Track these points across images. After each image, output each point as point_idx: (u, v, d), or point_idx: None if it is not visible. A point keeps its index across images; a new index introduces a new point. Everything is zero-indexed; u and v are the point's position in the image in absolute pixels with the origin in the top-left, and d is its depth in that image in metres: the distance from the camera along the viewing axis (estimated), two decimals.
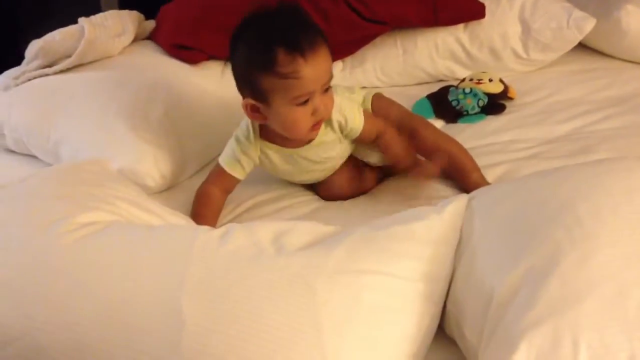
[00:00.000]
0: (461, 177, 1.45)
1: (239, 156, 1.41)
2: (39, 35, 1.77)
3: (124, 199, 1.20)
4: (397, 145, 1.45)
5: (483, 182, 1.43)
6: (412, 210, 1.12)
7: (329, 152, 1.42)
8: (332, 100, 1.32)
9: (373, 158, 1.50)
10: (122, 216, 1.15)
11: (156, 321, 0.93)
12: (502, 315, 0.92)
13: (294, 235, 1.04)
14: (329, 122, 1.37)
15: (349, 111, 1.39)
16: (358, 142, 1.45)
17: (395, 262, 1.00)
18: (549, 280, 0.91)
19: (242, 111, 1.33)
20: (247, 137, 1.40)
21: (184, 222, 1.27)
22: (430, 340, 1.01)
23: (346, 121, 1.39)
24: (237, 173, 1.43)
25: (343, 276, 0.97)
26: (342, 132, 1.40)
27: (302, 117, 1.28)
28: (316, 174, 1.48)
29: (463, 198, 1.12)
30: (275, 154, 1.41)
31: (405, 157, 1.46)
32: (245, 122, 1.40)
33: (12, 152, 1.71)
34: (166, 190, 1.55)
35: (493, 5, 1.94)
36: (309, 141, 1.38)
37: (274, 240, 1.03)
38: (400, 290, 0.99)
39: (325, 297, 0.94)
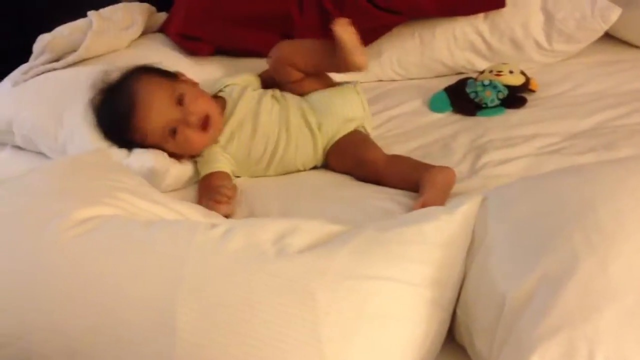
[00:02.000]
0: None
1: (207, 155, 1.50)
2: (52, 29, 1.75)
3: (126, 190, 1.15)
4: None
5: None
6: (422, 211, 1.07)
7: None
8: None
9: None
10: (123, 209, 1.10)
11: (147, 329, 0.89)
12: (514, 323, 0.87)
13: (297, 236, 0.99)
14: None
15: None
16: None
17: (402, 266, 0.95)
18: (565, 287, 0.85)
19: None
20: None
21: (190, 210, 1.22)
22: (438, 347, 0.97)
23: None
24: (221, 165, 1.48)
25: (346, 282, 0.92)
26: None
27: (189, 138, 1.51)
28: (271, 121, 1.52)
29: (477, 198, 1.07)
30: None
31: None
32: None
33: (22, 149, 1.67)
34: (175, 191, 1.51)
35: None
36: None
37: (276, 240, 0.98)
38: (407, 296, 0.94)
39: (327, 306, 0.89)
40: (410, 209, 1.29)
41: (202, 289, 0.91)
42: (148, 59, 1.58)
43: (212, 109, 1.49)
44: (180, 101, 1.45)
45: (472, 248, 1.01)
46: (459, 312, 0.98)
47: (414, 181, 1.37)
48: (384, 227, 1.01)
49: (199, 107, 1.46)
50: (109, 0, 2.02)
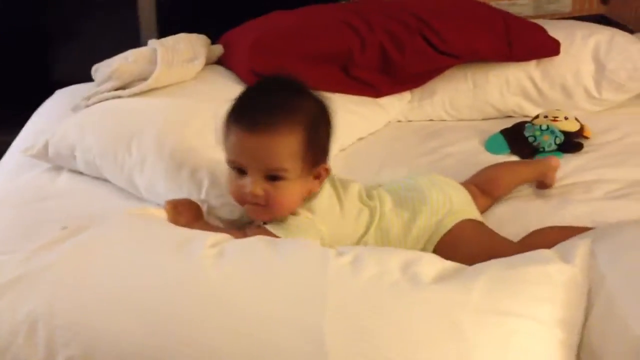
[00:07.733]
0: None
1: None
2: (68, 56, 1.74)
3: None
4: None
5: None
6: (536, 253, 1.08)
7: None
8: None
9: None
10: None
11: (297, 348, 0.92)
12: None
13: (423, 266, 1.03)
14: None
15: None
16: None
17: (536, 305, 0.98)
18: None
19: None
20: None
21: None
22: None
23: None
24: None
25: (489, 316, 0.95)
26: None
27: (231, 180, 1.22)
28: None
29: (587, 242, 1.09)
30: None
31: None
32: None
33: (79, 174, 1.65)
34: None
35: (567, 42, 1.91)
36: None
37: (404, 269, 1.02)
38: (543, 335, 0.96)
39: (474, 337, 0.92)
40: None
41: (347, 314, 0.94)
42: (215, 92, 1.59)
43: None
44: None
45: (590, 292, 1.03)
46: (582, 355, 1.00)
47: None
48: (509, 265, 1.04)
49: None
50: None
